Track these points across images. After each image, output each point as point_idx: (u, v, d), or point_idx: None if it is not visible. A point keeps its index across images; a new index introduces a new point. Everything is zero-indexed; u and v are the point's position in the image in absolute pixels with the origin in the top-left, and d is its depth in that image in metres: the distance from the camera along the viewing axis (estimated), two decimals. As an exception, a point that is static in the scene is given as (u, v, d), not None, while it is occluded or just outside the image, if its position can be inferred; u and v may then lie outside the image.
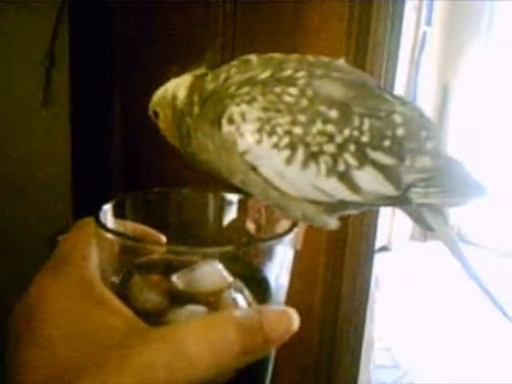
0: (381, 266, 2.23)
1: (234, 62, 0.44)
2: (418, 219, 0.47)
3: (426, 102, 3.22)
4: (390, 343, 2.27)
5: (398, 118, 0.42)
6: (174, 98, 0.46)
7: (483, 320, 2.37)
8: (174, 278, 0.35)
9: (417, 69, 3.07)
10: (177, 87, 0.46)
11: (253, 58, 0.44)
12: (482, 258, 3.02)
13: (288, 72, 0.42)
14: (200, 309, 0.34)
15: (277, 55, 0.45)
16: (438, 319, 2.52)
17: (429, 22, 3.07)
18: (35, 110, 1.62)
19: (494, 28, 3.31)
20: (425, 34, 3.07)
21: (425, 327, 2.46)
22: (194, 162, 0.46)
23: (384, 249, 3.18)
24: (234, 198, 0.44)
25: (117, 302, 0.33)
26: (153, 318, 0.33)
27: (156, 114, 0.49)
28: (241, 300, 0.35)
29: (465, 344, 2.33)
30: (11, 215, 1.60)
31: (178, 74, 0.48)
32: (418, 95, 3.11)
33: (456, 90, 3.37)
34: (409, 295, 2.73)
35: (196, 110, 0.44)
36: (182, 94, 0.46)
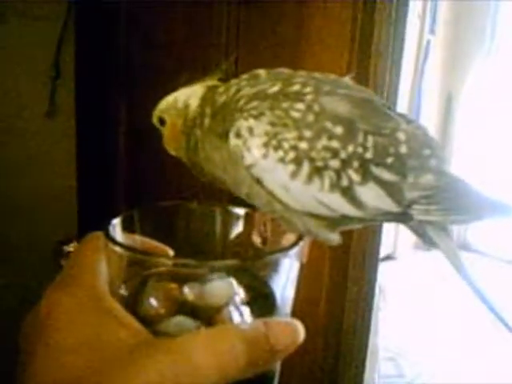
0: (385, 274, 2.23)
1: (245, 76, 0.45)
2: (420, 234, 0.48)
3: (430, 111, 3.22)
4: (395, 352, 2.26)
5: (401, 136, 0.42)
6: (187, 106, 0.46)
7: (487, 329, 2.36)
8: (186, 288, 0.36)
9: (421, 77, 3.07)
10: (189, 96, 0.46)
11: (261, 72, 0.45)
12: (488, 267, 3.01)
13: (296, 87, 0.42)
14: (188, 321, 0.35)
15: (284, 70, 0.45)
16: (442, 328, 2.51)
17: (432, 31, 3.08)
18: (40, 121, 1.63)
19: (497, 36, 3.31)
20: (428, 42, 3.07)
21: (429, 336, 2.45)
22: (198, 172, 0.47)
23: (389, 258, 3.17)
24: (240, 211, 0.45)
25: (125, 315, 0.34)
26: (150, 325, 0.34)
27: (162, 121, 0.48)
28: (237, 317, 0.35)
29: (469, 353, 2.32)
30: (17, 226, 1.61)
31: (187, 83, 0.48)
32: (422, 103, 3.11)
33: (460, 99, 3.36)
34: (413, 304, 2.72)
35: (207, 121, 0.44)
36: (194, 103, 0.46)
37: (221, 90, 0.45)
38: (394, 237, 3.16)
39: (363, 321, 1.29)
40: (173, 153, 0.49)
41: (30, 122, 1.62)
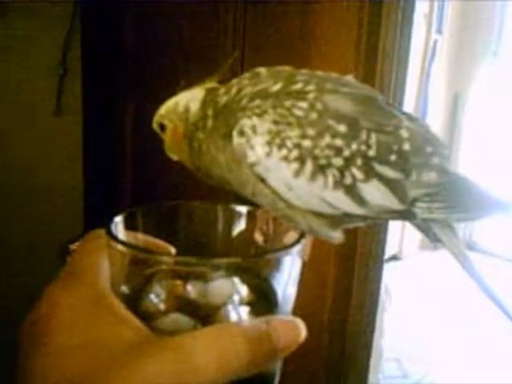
0: (391, 275, 2.23)
1: (246, 75, 0.45)
2: (425, 231, 0.47)
3: (437, 111, 3.22)
4: (400, 353, 2.26)
5: (404, 133, 0.42)
6: (187, 110, 0.46)
7: (493, 329, 2.36)
8: (189, 286, 0.36)
9: (427, 77, 3.06)
10: (189, 100, 0.46)
11: (262, 70, 0.45)
12: (492, 266, 3.00)
13: (298, 85, 0.42)
14: (184, 319, 0.35)
15: (286, 68, 0.45)
16: (447, 329, 2.51)
17: (439, 31, 3.07)
18: (48, 119, 1.63)
19: (504, 36, 3.30)
20: (435, 42, 3.07)
21: (434, 337, 2.45)
22: (203, 176, 0.46)
23: (394, 258, 3.17)
24: (242, 209, 0.45)
25: (126, 313, 0.34)
26: (147, 321, 0.34)
27: (162, 126, 0.48)
28: (234, 317, 0.35)
29: (475, 354, 2.31)
30: (23, 224, 1.61)
31: (185, 88, 0.47)
32: (429, 104, 3.11)
33: (467, 99, 3.36)
34: (419, 305, 2.72)
35: (209, 123, 0.44)
36: (195, 106, 0.45)
37: (222, 91, 0.45)
38: (400, 237, 3.16)
39: (368, 321, 1.29)
40: (175, 158, 0.49)
41: (37, 121, 1.62)
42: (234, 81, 0.45)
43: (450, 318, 2.60)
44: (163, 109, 0.48)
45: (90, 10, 1.61)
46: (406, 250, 3.25)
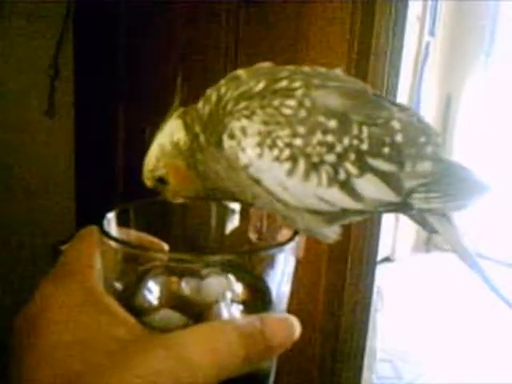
0: (383, 276, 2.23)
1: (222, 82, 0.44)
2: (421, 222, 0.47)
3: (429, 112, 3.23)
4: (393, 354, 2.26)
5: (396, 125, 0.42)
6: (177, 143, 0.44)
7: (487, 329, 2.36)
8: (184, 282, 0.36)
9: (420, 79, 3.07)
10: (171, 135, 0.44)
11: (240, 72, 0.44)
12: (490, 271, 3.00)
13: (283, 83, 0.42)
14: (175, 315, 0.34)
15: (264, 64, 0.45)
16: (440, 330, 2.51)
17: (432, 33, 3.08)
18: (39, 120, 1.63)
19: (496, 38, 3.31)
20: (428, 44, 3.08)
21: (427, 338, 2.45)
22: (215, 196, 0.45)
23: (387, 260, 3.17)
24: (236, 206, 0.45)
25: (120, 310, 0.33)
26: (138, 317, 0.33)
27: (161, 180, 0.45)
28: (225, 315, 0.35)
29: (468, 355, 2.31)
30: (15, 224, 1.61)
31: (153, 131, 0.45)
32: (421, 105, 3.12)
33: (459, 101, 3.37)
34: (411, 306, 2.72)
35: (202, 139, 0.43)
36: (181, 135, 0.44)
37: (200, 104, 0.44)
38: (392, 239, 3.16)
39: (361, 322, 1.29)
40: (181, 200, 0.46)
41: (30, 121, 1.62)
42: (209, 90, 0.44)
43: (442, 319, 2.61)
44: (150, 163, 0.45)
45: (83, 11, 1.61)
46: (399, 251, 3.25)
